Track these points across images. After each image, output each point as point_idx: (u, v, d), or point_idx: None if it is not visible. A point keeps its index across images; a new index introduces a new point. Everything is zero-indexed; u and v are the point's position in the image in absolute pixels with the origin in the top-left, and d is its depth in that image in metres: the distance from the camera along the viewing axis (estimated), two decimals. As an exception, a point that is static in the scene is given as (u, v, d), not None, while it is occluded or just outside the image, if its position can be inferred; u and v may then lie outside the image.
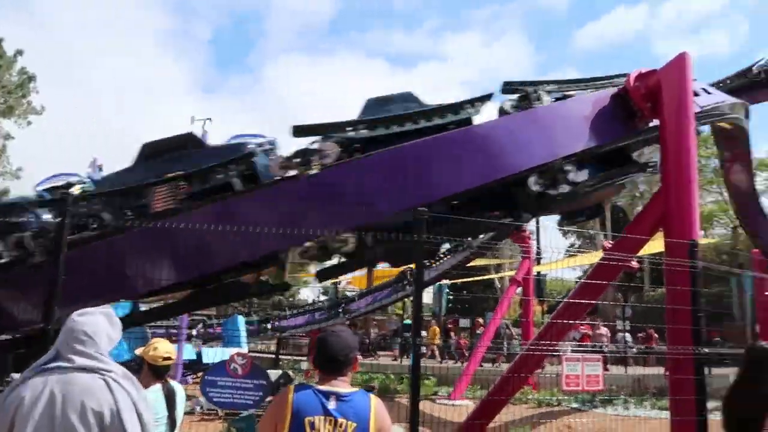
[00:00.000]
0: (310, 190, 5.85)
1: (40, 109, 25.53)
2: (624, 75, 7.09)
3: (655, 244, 7.87)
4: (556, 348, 7.78)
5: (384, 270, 18.63)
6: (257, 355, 17.82)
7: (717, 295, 20.05)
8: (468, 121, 6.56)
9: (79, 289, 5.05)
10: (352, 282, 27.81)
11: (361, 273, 24.27)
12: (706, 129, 10.70)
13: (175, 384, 5.28)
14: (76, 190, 6.63)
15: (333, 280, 25.57)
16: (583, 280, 7.65)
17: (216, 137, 7.07)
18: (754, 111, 9.95)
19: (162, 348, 4.73)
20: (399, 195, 6.02)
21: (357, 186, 5.97)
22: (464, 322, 24.67)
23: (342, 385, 2.55)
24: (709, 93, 7.89)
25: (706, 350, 5.65)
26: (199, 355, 12.95)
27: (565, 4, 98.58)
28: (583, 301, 7.01)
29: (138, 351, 4.96)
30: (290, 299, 32.14)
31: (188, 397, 10.80)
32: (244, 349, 12.29)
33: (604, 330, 19.20)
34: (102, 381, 2.35)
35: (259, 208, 5.76)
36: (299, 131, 6.15)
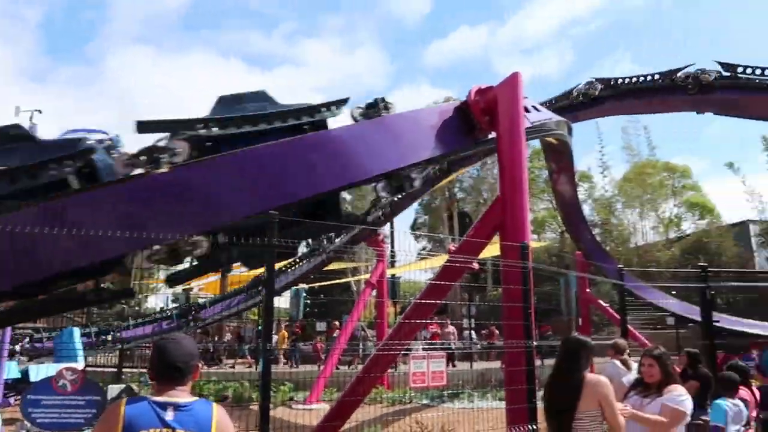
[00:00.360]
0: (158, 190, 5.48)
1: None
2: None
3: (497, 247, 8.55)
4: (407, 347, 8.10)
5: (240, 275, 18.12)
6: (96, 369, 16.38)
7: (548, 293, 22.16)
8: (323, 125, 6.62)
9: None
10: (205, 288, 26.64)
11: (215, 278, 23.40)
12: (536, 143, 11.85)
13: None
14: None
15: (185, 287, 24.31)
16: (430, 281, 8.07)
17: (48, 131, 6.30)
18: (577, 128, 11.21)
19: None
20: (252, 197, 5.88)
21: (209, 187, 5.72)
22: (321, 326, 24.76)
23: (181, 395, 2.40)
24: (538, 110, 8.74)
25: (535, 343, 6.22)
26: (25, 373, 11.57)
27: (418, 19, 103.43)
28: (431, 301, 7.38)
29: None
30: (136, 308, 29.94)
31: (10, 421, 9.61)
32: (80, 364, 11.22)
33: (451, 328, 20.39)
34: None
35: (98, 209, 5.26)
36: (144, 127, 5.68)
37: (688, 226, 35.19)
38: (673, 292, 16.03)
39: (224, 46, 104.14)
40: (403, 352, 8.19)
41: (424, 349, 12.63)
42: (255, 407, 11.47)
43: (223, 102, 6.22)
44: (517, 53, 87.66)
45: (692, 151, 73.96)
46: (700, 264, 9.42)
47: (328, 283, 26.97)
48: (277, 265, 7.65)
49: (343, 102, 6.81)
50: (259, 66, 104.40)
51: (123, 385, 10.92)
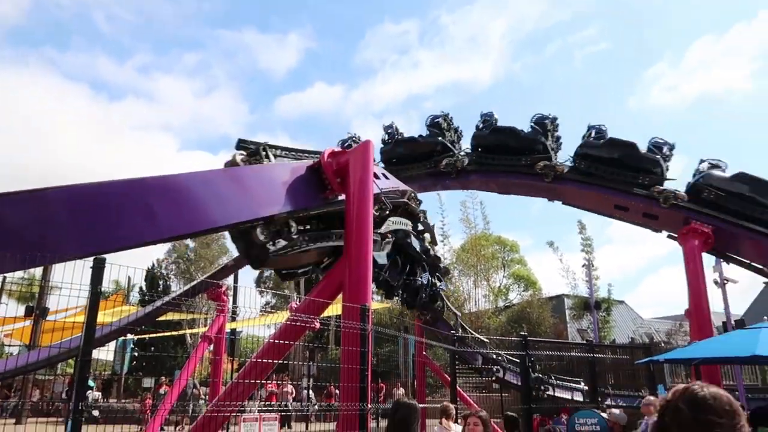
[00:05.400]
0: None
1: None
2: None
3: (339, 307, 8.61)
4: (241, 407, 7.73)
5: (56, 322, 16.22)
6: None
7: (389, 353, 22.63)
8: None
9: None
10: (12, 335, 23.32)
11: (25, 324, 20.65)
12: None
13: None
14: None
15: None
16: (269, 339, 7.87)
17: None
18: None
19: None
20: (84, 237, 5.44)
21: (37, 222, 5.20)
22: (148, 382, 22.72)
23: None
24: (387, 178, 9.23)
25: (369, 405, 6.29)
26: None
27: (283, 72, 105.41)
28: (269, 360, 7.17)
29: None
30: None
31: None
32: None
33: (290, 388, 19.86)
34: None
35: None
36: None
37: (515, 296, 38.51)
38: (500, 357, 17.21)
39: (67, 67, 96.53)
40: (235, 413, 7.80)
41: (259, 411, 12.13)
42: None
43: None
44: (368, 114, 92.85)
45: (519, 227, 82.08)
46: (521, 333, 10.31)
47: (161, 334, 25.04)
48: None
49: None
50: (107, 93, 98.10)
51: None
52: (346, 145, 14.88)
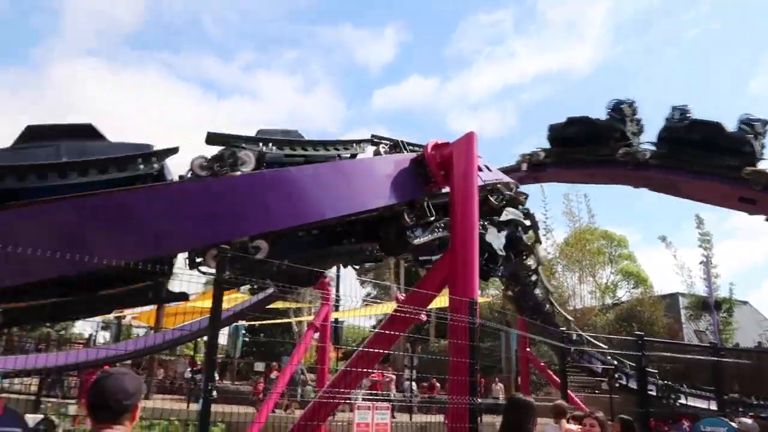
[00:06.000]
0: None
1: None
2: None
3: (441, 300, 8.58)
4: (349, 396, 7.94)
5: (177, 307, 17.50)
6: (12, 396, 15.22)
7: (489, 348, 22.28)
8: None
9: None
10: (138, 317, 25.49)
11: (149, 308, 22.45)
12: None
13: None
14: None
15: (117, 314, 23.21)
16: (377, 330, 8.00)
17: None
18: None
19: None
20: (209, 228, 5.91)
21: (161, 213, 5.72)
22: (259, 366, 23.98)
23: None
24: (490, 170, 9.04)
25: (479, 400, 6.22)
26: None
27: (379, 66, 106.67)
28: (378, 350, 7.30)
29: None
30: (61, 332, 28.32)
31: None
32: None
33: (392, 376, 20.12)
34: None
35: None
36: (212, 138, 6.30)
37: (623, 294, 36.44)
38: (609, 357, 16.41)
39: (180, 69, 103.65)
40: (345, 401, 8.03)
41: (364, 399, 12.40)
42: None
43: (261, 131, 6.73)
44: (464, 107, 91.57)
45: (627, 222, 77.52)
46: (637, 332, 9.70)
47: (269, 322, 26.31)
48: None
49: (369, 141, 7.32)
50: (216, 93, 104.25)
51: (41, 416, 10.22)
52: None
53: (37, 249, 4.43)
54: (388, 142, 7.89)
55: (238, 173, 6.11)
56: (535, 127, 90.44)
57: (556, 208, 71.10)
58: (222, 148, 6.24)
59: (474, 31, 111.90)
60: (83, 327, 31.24)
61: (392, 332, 7.36)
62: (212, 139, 6.33)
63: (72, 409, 13.30)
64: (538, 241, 12.18)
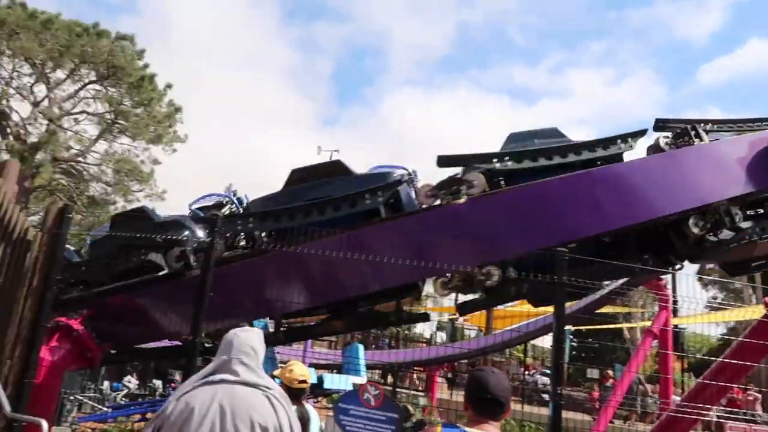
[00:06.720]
0: (450, 221, 5.82)
1: (184, 137, 27.63)
2: None
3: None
4: (709, 412, 6.98)
5: (506, 309, 18.04)
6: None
7: None
8: (619, 158, 6.18)
9: (222, 305, 5.37)
10: (470, 320, 27.26)
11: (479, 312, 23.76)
12: None
13: (309, 407, 5.38)
14: (225, 211, 7.03)
15: (450, 317, 25.17)
16: (741, 339, 6.79)
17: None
18: None
19: (297, 370, 4.85)
20: (531, 232, 5.81)
21: (496, 220, 5.85)
22: (592, 373, 23.08)
23: (493, 431, 2.37)
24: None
25: None
26: (320, 379, 13.20)
27: (703, 39, 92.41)
28: (742, 362, 6.26)
29: (276, 372, 5.14)
30: (406, 332, 32.15)
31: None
32: (363, 379, 12.32)
33: (757, 395, 17.02)
34: (264, 397, 2.44)
35: (397, 237, 5.80)
36: (444, 161, 6.03)
37: None
38: None
39: (488, 82, 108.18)
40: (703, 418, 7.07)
41: (719, 417, 10.80)
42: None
43: (515, 138, 6.28)
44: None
45: None
46: None
47: (599, 327, 25.12)
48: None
49: (641, 133, 6.27)
50: (523, 100, 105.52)
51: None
52: None
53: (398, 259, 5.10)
54: (669, 133, 6.36)
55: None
56: None
57: None
58: (459, 169, 5.96)
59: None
60: (422, 327, 35.01)
61: (761, 342, 6.20)
62: (443, 162, 5.98)
63: (422, 401, 14.83)
64: None
